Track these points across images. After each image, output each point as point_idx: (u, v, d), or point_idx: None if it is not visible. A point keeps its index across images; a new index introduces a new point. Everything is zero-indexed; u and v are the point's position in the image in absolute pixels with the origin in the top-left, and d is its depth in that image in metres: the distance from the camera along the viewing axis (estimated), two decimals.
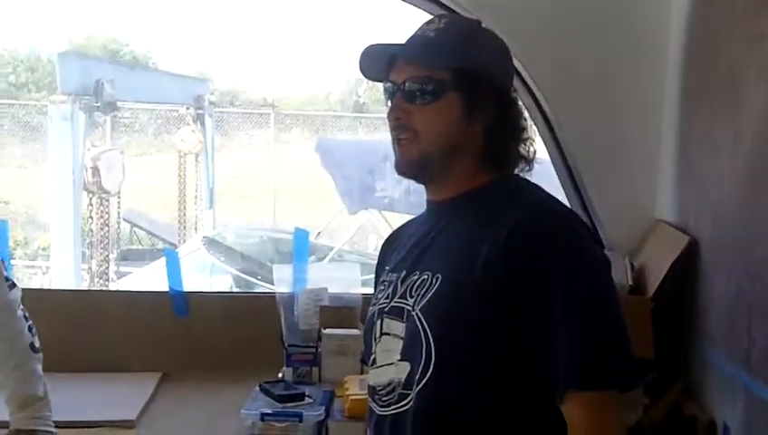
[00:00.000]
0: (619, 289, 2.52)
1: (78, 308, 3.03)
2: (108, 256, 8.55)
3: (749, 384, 2.15)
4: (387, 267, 1.73)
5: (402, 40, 1.65)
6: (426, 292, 1.58)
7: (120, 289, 7.15)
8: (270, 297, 2.93)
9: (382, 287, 1.70)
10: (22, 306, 2.12)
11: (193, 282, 7.91)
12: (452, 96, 1.58)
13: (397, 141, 1.62)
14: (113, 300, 3.14)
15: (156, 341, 2.96)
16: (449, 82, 1.58)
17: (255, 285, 7.41)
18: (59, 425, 2.42)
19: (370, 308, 1.72)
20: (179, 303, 2.95)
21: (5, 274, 2.11)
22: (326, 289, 2.91)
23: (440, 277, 1.58)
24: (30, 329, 2.10)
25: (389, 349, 1.62)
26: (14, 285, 2.12)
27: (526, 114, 1.77)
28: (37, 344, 2.11)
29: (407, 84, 1.59)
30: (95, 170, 7.80)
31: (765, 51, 2.15)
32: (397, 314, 1.62)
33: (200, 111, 10.70)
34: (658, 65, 2.85)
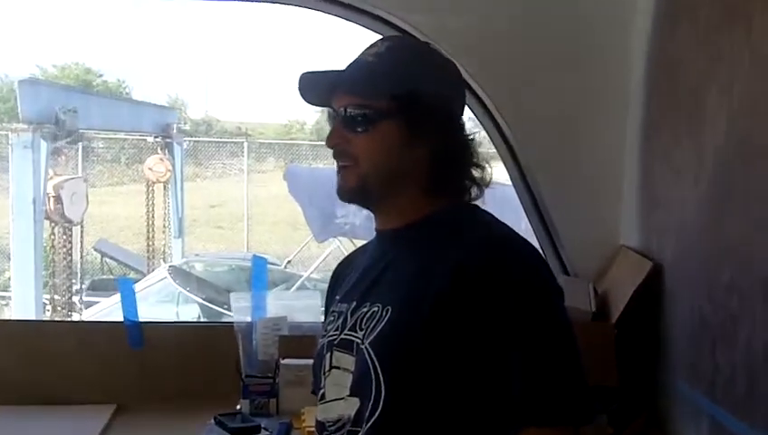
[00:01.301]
0: (581, 316, 2.50)
1: (31, 339, 2.95)
2: (71, 286, 8.40)
3: (714, 413, 2.10)
4: (337, 296, 1.68)
5: (344, 64, 1.61)
6: (375, 324, 1.53)
7: (73, 320, 6.99)
8: (228, 327, 2.86)
9: (332, 318, 1.65)
10: None
11: (159, 311, 7.93)
12: (389, 124, 1.54)
13: (339, 167, 1.58)
14: (67, 331, 3.05)
15: (110, 373, 2.88)
16: (386, 110, 1.53)
17: (223, 315, 7.32)
18: None
19: (320, 340, 1.67)
20: (134, 334, 2.87)
21: None
22: (286, 318, 2.84)
23: (390, 310, 1.52)
24: None
25: (339, 383, 1.57)
26: None
27: (484, 136, 1.72)
28: None
29: (345, 112, 1.56)
30: (57, 199, 7.68)
31: (726, 71, 2.12)
32: (346, 347, 1.57)
33: (168, 140, 10.63)
34: (621, 86, 2.83)
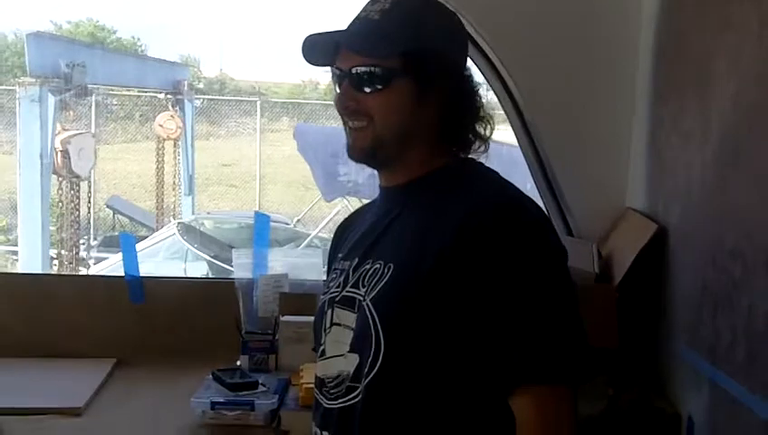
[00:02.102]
0: (584, 277, 2.48)
1: (32, 293, 2.95)
2: (78, 241, 8.40)
3: (714, 376, 2.08)
4: (339, 254, 1.67)
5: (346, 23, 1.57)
6: (377, 282, 1.52)
7: (74, 274, 6.98)
8: (229, 283, 2.85)
9: (334, 275, 1.65)
10: None
11: (167, 268, 7.93)
12: (402, 81, 1.52)
13: (349, 128, 1.56)
14: (68, 285, 3.03)
15: (111, 327, 2.88)
16: (398, 68, 1.51)
17: (231, 272, 7.30)
18: (3, 412, 2.36)
19: (321, 297, 1.67)
20: (135, 289, 2.87)
21: None
22: (287, 275, 2.83)
23: (392, 267, 1.52)
24: None
25: (339, 340, 1.57)
26: None
27: (492, 97, 1.70)
28: None
29: (354, 72, 1.53)
30: (65, 154, 7.65)
31: (734, 40, 2.08)
32: (348, 304, 1.56)
33: (179, 97, 10.58)
34: (630, 52, 2.78)
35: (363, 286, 1.54)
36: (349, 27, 1.56)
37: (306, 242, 8.07)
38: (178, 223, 8.61)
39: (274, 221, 9.52)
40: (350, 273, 1.58)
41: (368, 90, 1.51)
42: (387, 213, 1.60)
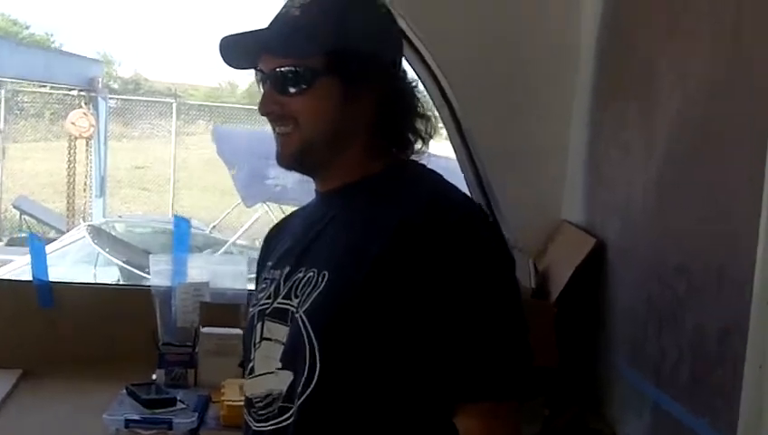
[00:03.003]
0: (521, 293, 2.39)
1: None
2: None
3: (657, 398, 2.02)
4: (269, 263, 1.55)
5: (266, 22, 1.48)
6: (311, 291, 1.40)
7: None
8: (145, 291, 2.68)
9: (264, 285, 1.52)
10: None
11: (76, 272, 7.65)
12: (327, 81, 1.42)
13: (276, 134, 1.46)
14: None
15: (16, 335, 2.69)
16: (321, 67, 1.41)
17: (143, 279, 7.07)
18: None
19: (251, 309, 1.54)
20: (44, 294, 2.68)
21: None
22: (207, 284, 2.68)
23: (326, 275, 1.40)
24: None
25: (270, 356, 1.45)
26: None
27: (421, 88, 1.59)
28: None
29: (276, 74, 1.43)
30: None
31: (680, 49, 2.02)
32: (279, 316, 1.44)
33: (93, 94, 10.26)
34: (569, 60, 2.72)
35: (296, 297, 1.42)
36: (269, 26, 1.47)
37: (224, 249, 7.85)
38: (89, 225, 8.31)
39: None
40: (282, 282, 1.47)
41: (291, 92, 1.42)
42: (320, 218, 1.50)
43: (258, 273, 1.61)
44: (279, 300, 1.45)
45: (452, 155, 2.87)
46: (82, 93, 10.25)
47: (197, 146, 16.79)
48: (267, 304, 1.48)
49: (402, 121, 1.48)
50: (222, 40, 1.45)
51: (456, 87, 2.69)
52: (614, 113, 2.45)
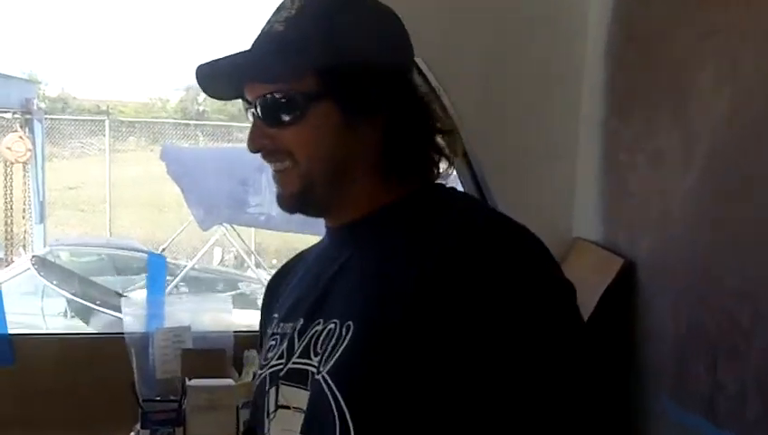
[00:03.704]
0: None
1: None
2: None
3: None
4: (276, 315, 1.32)
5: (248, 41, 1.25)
6: (334, 347, 1.18)
7: None
8: (118, 338, 2.40)
9: (272, 343, 1.29)
10: None
11: (22, 306, 7.26)
12: (322, 105, 1.20)
13: (273, 172, 1.25)
14: None
15: None
16: (314, 89, 1.20)
17: (94, 312, 6.72)
18: None
19: (259, 372, 1.31)
20: (3, 349, 2.38)
21: None
22: (189, 328, 2.41)
23: (352, 326, 1.17)
24: None
25: (288, 428, 1.23)
26: None
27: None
28: None
29: (263, 103, 1.22)
30: None
31: (722, 46, 1.81)
32: (297, 379, 1.22)
33: (28, 117, 9.84)
34: (575, 59, 2.49)
35: (316, 354, 1.20)
36: (252, 46, 1.24)
37: (181, 276, 7.51)
38: (33, 257, 7.92)
39: (132, 249, 9.01)
40: (296, 338, 1.24)
41: (282, 122, 1.21)
42: (334, 259, 1.27)
43: (263, 327, 1.38)
44: (295, 359, 1.23)
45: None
46: (17, 116, 9.81)
47: (130, 163, 16.44)
48: (280, 365, 1.25)
49: (418, 141, 1.25)
50: (198, 69, 1.22)
51: (451, 92, 2.45)
52: (637, 118, 2.23)
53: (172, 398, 2.27)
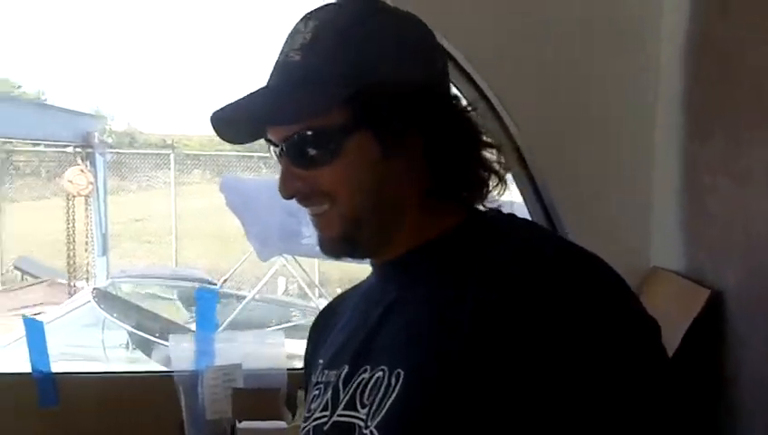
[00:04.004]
0: None
1: None
2: None
3: None
4: (320, 361, 1.20)
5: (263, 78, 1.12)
6: (384, 397, 1.06)
7: None
8: (167, 378, 2.27)
9: (316, 392, 1.17)
10: None
11: (83, 338, 7.26)
12: (358, 138, 1.08)
13: (311, 216, 1.14)
14: None
15: None
16: (346, 122, 1.07)
17: (154, 344, 6.65)
18: None
19: (302, 425, 1.19)
20: (46, 389, 2.27)
21: None
22: (240, 366, 2.27)
23: (402, 374, 1.05)
24: None
25: None
26: None
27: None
28: None
29: (290, 146, 1.09)
30: None
31: None
32: (343, 433, 1.10)
33: (90, 150, 9.91)
34: (649, 75, 2.31)
35: (363, 406, 1.08)
36: (268, 81, 1.11)
37: (242, 305, 7.43)
38: (94, 289, 7.94)
39: (197, 280, 8.99)
40: (341, 387, 1.13)
41: (316, 163, 1.09)
42: (380, 300, 1.15)
43: (307, 374, 1.26)
44: (340, 411, 1.11)
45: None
46: (78, 150, 9.89)
47: (195, 195, 16.62)
48: (324, 417, 1.13)
49: (464, 158, 1.12)
50: (213, 115, 1.09)
51: (513, 110, 2.28)
52: (720, 135, 2.04)
53: None
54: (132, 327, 7.10)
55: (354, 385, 1.10)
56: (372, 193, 1.09)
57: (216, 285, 8.18)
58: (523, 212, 2.36)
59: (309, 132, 1.07)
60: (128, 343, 7.10)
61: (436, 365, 1.01)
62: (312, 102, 1.06)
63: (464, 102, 1.15)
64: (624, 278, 1.06)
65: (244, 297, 7.87)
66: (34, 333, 2.30)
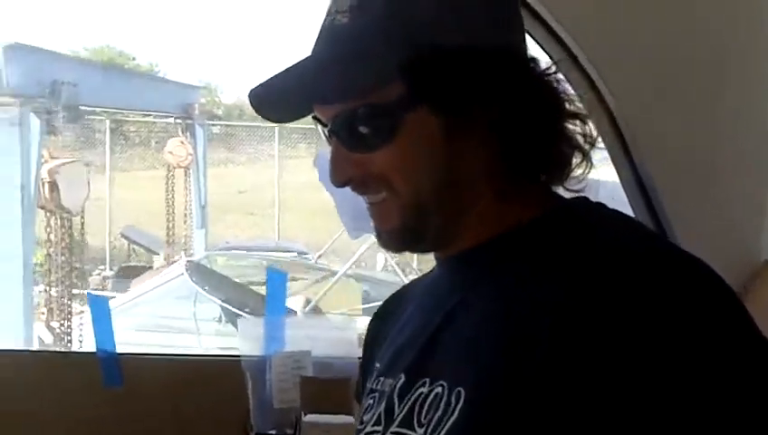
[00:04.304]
0: None
1: None
2: (71, 285, 7.60)
3: None
4: (377, 365, 1.07)
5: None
6: (442, 418, 0.92)
7: (34, 350, 6.18)
8: (234, 362, 2.17)
9: (370, 401, 1.04)
10: None
11: (176, 310, 7.33)
12: (417, 114, 0.93)
13: (368, 205, 1.01)
14: (26, 364, 2.38)
15: (77, 421, 2.21)
16: (402, 97, 0.92)
17: (242, 320, 6.65)
18: None
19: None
20: (110, 369, 2.20)
21: None
22: (309, 353, 2.15)
23: (462, 393, 0.91)
24: None
25: None
26: None
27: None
28: None
29: (339, 125, 0.96)
30: (53, 186, 6.84)
31: None
32: None
33: (189, 122, 10.00)
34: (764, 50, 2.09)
35: (420, 425, 0.95)
36: (314, 50, 0.97)
37: (335, 280, 7.36)
38: (187, 262, 8.00)
39: (292, 251, 8.97)
40: (395, 400, 0.99)
41: (367, 145, 0.96)
42: (443, 300, 1.01)
43: (363, 376, 1.14)
44: (394, 429, 0.98)
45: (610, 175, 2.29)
46: (179, 121, 9.99)
47: (300, 169, 16.78)
48: (377, 433, 1.00)
49: (542, 136, 0.97)
50: (253, 93, 0.99)
51: (608, 77, 2.07)
52: None
53: (287, 431, 2.02)
54: (223, 301, 7.11)
55: (411, 400, 0.97)
56: (435, 178, 0.95)
57: (307, 255, 8.14)
58: (618, 194, 2.18)
59: (360, 110, 0.93)
60: (221, 316, 7.13)
61: (503, 384, 0.87)
62: (363, 76, 0.92)
63: (542, 65, 0.98)
64: (733, 276, 0.90)
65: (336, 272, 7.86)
66: (99, 310, 2.23)
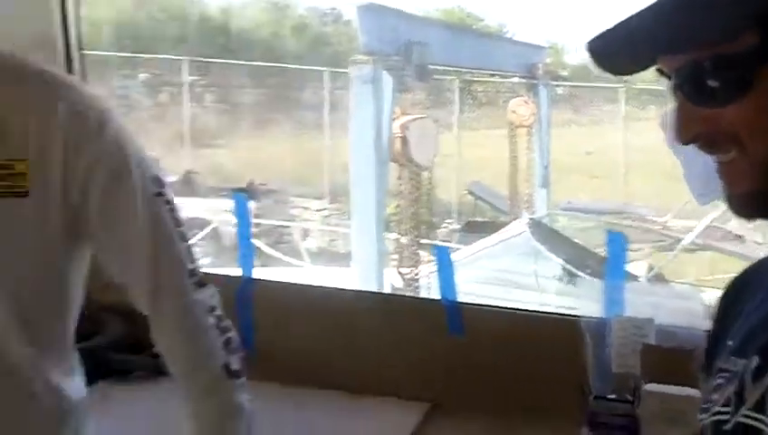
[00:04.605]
0: None
1: (331, 311, 2.45)
2: (419, 236, 7.90)
3: None
4: (729, 342, 0.99)
5: None
6: None
7: (384, 293, 6.44)
8: (571, 321, 2.15)
9: (720, 381, 0.97)
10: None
11: (517, 265, 7.40)
12: None
13: (716, 165, 0.94)
14: (374, 306, 2.51)
15: (424, 363, 2.32)
16: (758, 47, 0.84)
17: (581, 281, 6.57)
18: None
19: (700, 415, 0.99)
20: (453, 318, 2.27)
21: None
22: (652, 320, 2.07)
23: None
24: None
25: None
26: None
27: None
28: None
29: (685, 76, 0.89)
30: (404, 140, 7.10)
31: None
32: None
33: (533, 81, 9.98)
34: None
35: None
36: (654, 3, 0.90)
37: (680, 247, 7.06)
38: (530, 219, 8.05)
39: (637, 215, 8.67)
40: (747, 382, 0.92)
41: (718, 99, 0.88)
42: None
43: (710, 354, 1.06)
44: (744, 411, 0.91)
45: None
46: (523, 81, 10.04)
47: (650, 131, 16.21)
48: (726, 414, 0.93)
49: None
50: (591, 44, 0.95)
51: None
52: None
53: (627, 397, 1.97)
54: (564, 261, 7.07)
55: (766, 384, 0.90)
56: None
57: (654, 223, 7.85)
58: None
59: (707, 62, 0.87)
60: (561, 275, 7.11)
61: None
62: (712, 24, 0.85)
63: None
64: None
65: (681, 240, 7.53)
66: (444, 261, 2.31)
